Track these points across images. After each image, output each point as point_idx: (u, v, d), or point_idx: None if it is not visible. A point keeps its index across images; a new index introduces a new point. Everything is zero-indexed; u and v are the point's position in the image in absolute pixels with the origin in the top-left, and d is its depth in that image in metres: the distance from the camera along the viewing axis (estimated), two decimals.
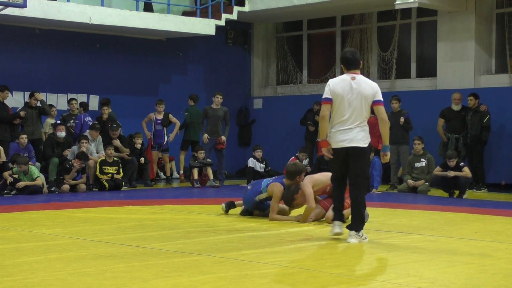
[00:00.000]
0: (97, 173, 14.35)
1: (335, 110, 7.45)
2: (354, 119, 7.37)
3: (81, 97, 16.50)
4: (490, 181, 15.26)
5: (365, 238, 7.42)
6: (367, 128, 7.50)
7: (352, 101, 7.37)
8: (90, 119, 15.45)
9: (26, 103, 14.74)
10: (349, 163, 7.43)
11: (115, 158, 14.59)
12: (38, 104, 14.57)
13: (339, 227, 7.47)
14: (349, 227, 7.40)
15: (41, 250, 6.80)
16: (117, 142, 14.93)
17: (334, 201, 7.79)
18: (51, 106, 15.50)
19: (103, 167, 14.38)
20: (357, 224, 7.37)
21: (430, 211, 10.92)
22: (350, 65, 7.57)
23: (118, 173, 14.51)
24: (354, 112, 7.37)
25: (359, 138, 7.37)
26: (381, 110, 7.48)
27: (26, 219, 9.49)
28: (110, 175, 14.41)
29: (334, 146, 7.45)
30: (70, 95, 16.45)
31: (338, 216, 7.57)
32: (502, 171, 15.38)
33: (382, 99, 7.54)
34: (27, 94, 15.04)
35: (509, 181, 15.27)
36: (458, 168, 13.27)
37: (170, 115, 16.05)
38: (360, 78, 7.53)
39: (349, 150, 7.37)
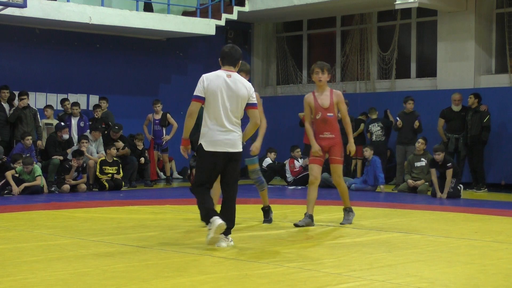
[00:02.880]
0: (97, 173, 14.37)
1: (209, 108, 6.98)
2: (230, 119, 6.95)
3: (81, 97, 16.52)
4: (490, 181, 15.26)
5: (232, 242, 7.04)
6: (240, 130, 7.11)
7: (228, 100, 6.95)
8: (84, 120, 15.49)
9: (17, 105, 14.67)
10: (226, 167, 7.01)
11: (115, 158, 14.60)
12: (32, 105, 14.60)
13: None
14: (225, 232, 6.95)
15: (41, 250, 6.80)
16: (119, 144, 14.97)
17: (206, 206, 7.03)
18: (50, 106, 15.51)
19: (103, 167, 14.40)
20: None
21: (430, 211, 10.92)
22: (226, 60, 7.10)
23: (118, 173, 14.52)
24: (229, 112, 6.95)
25: (239, 142, 7.00)
26: (255, 114, 7.10)
27: (26, 219, 9.49)
28: (110, 175, 14.43)
29: (211, 149, 6.94)
30: (70, 96, 16.46)
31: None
32: (502, 171, 15.37)
33: (256, 101, 7.14)
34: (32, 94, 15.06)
35: (509, 181, 15.27)
36: (445, 166, 13.12)
37: (168, 115, 16.05)
38: (236, 76, 7.08)
39: (230, 155, 6.96)
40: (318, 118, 8.64)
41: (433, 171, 13.23)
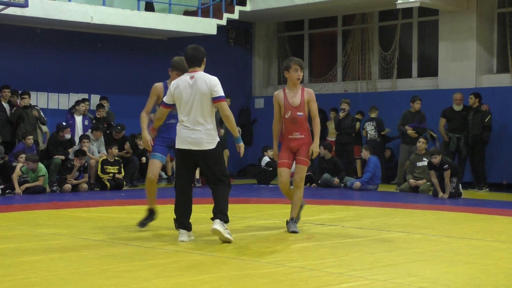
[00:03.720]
0: (99, 172, 14.38)
1: (178, 110, 7.32)
2: (195, 118, 7.17)
3: (83, 97, 16.49)
4: (492, 180, 15.24)
5: (230, 235, 7.20)
6: (213, 126, 7.27)
7: (191, 100, 7.17)
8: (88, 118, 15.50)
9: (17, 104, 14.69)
10: (199, 165, 7.41)
11: (117, 158, 14.61)
12: (36, 113, 14.60)
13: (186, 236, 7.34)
14: (213, 218, 7.24)
15: (42, 249, 6.80)
16: (128, 148, 15.07)
17: (181, 207, 7.37)
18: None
19: (105, 166, 14.41)
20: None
21: (431, 211, 10.92)
22: (190, 62, 7.32)
23: (120, 172, 14.53)
24: (196, 113, 7.17)
25: (204, 140, 7.17)
26: (223, 107, 7.19)
27: (27, 218, 9.49)
28: (111, 174, 14.44)
29: (179, 146, 7.28)
30: (72, 95, 16.47)
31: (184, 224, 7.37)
32: (504, 171, 15.36)
33: (222, 94, 7.19)
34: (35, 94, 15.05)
35: (510, 180, 15.26)
36: (442, 168, 13.09)
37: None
38: (199, 75, 7.23)
39: (195, 153, 7.21)
40: (287, 117, 8.09)
41: (432, 173, 13.22)
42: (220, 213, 7.20)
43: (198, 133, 7.19)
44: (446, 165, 12.99)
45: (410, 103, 15.46)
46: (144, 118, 8.04)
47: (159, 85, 8.04)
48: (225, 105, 7.25)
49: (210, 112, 7.24)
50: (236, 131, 7.46)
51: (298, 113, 8.05)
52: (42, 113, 14.92)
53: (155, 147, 7.97)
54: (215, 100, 7.19)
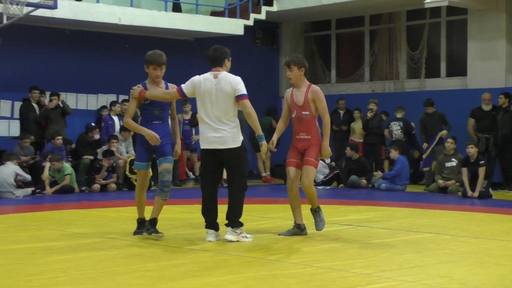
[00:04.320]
0: (127, 172, 14.45)
1: (200, 110, 7.41)
2: (220, 119, 7.26)
3: (111, 97, 16.60)
4: None
5: (246, 237, 7.31)
6: (236, 126, 7.33)
7: (215, 100, 7.26)
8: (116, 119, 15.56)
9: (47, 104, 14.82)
10: (220, 164, 7.41)
11: None
12: (60, 104, 14.74)
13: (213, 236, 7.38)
14: (226, 224, 7.38)
15: (71, 248, 6.86)
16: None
17: (208, 207, 7.47)
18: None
19: (133, 166, 14.45)
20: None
21: (460, 212, 10.83)
22: (211, 62, 7.43)
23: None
24: (220, 112, 7.26)
25: (229, 139, 7.24)
26: (246, 104, 7.23)
27: (57, 218, 9.58)
28: None
29: (206, 146, 7.35)
30: (100, 96, 16.58)
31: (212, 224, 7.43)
32: None
33: (244, 92, 7.25)
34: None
35: None
36: (477, 164, 13.04)
37: (197, 115, 16.06)
38: (222, 75, 7.33)
39: (221, 152, 7.28)
40: (294, 116, 7.84)
41: (465, 170, 13.13)
42: (232, 220, 7.33)
43: (223, 132, 7.26)
44: (483, 161, 12.91)
45: (424, 107, 15.36)
46: (131, 122, 7.62)
47: (138, 87, 7.81)
48: (247, 102, 7.28)
49: (233, 111, 7.31)
50: (259, 129, 7.38)
51: (303, 113, 7.78)
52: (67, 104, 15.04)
53: (137, 154, 7.80)
54: (238, 98, 7.25)
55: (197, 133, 16.12)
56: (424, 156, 15.29)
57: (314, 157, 7.72)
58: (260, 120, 16.44)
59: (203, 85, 7.35)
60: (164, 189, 7.48)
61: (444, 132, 15.05)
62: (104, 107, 16.06)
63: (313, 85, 7.94)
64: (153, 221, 7.50)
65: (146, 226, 7.51)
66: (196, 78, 7.47)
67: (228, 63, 7.49)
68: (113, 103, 15.85)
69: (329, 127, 7.80)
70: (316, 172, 7.87)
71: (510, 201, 12.90)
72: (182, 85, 7.57)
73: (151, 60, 7.89)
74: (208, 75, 7.40)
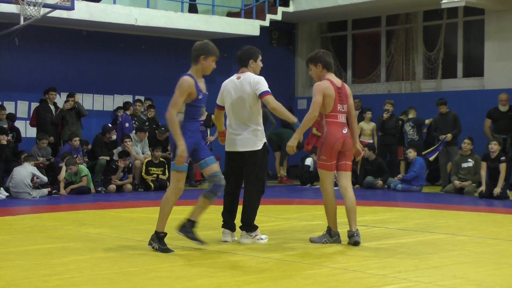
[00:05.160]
0: (143, 173, 14.50)
1: (227, 112, 7.40)
2: (240, 120, 7.23)
3: (127, 98, 16.66)
4: None
5: (261, 239, 7.30)
6: (258, 128, 7.25)
7: (236, 101, 7.23)
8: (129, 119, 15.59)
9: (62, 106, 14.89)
10: (242, 166, 7.32)
11: (162, 159, 14.70)
12: (75, 105, 14.83)
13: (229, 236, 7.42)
14: (240, 227, 7.37)
15: (88, 249, 6.89)
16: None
17: (226, 207, 7.48)
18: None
19: (149, 168, 14.53)
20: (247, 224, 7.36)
21: (476, 212, 10.78)
22: (238, 63, 7.46)
23: (164, 173, 14.63)
24: (242, 114, 7.21)
25: (250, 141, 7.18)
26: (268, 100, 7.12)
27: (73, 218, 9.62)
28: (155, 175, 14.55)
29: (229, 149, 7.35)
30: (116, 97, 16.65)
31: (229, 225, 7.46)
32: None
33: (266, 89, 7.13)
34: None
35: None
36: (498, 160, 13.01)
37: (213, 116, 16.07)
38: (245, 76, 7.30)
39: (242, 154, 7.24)
40: None
41: (484, 165, 13.10)
42: (245, 224, 7.33)
43: (242, 134, 7.23)
44: (504, 157, 12.86)
45: (436, 106, 15.28)
46: (175, 120, 6.69)
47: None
48: (269, 98, 7.16)
49: (255, 113, 7.25)
50: (291, 116, 7.25)
51: None
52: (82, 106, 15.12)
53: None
54: (261, 96, 7.18)
55: (212, 133, 16.14)
56: (431, 159, 15.19)
57: (319, 157, 7.34)
58: (277, 131, 16.50)
59: (226, 87, 7.41)
60: (218, 193, 6.92)
61: (449, 135, 14.90)
62: (119, 107, 16.12)
63: (318, 82, 7.41)
64: (194, 224, 6.96)
65: (190, 229, 6.92)
66: (224, 82, 7.54)
67: (254, 64, 7.43)
68: (127, 104, 15.85)
69: (306, 122, 7.18)
70: (326, 173, 7.29)
71: None
72: (217, 100, 7.64)
73: (214, 52, 6.97)
74: (233, 77, 7.45)
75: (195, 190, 14.96)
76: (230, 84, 7.38)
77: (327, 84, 7.30)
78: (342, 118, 7.33)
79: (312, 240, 7.34)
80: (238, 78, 7.33)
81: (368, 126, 16.53)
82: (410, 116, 16.08)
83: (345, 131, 7.30)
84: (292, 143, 7.16)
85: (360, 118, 16.96)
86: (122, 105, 16.15)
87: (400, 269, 5.92)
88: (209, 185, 6.94)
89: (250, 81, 7.26)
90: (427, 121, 15.79)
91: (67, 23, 15.37)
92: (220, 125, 7.71)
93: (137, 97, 16.68)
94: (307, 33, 20.08)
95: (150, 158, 14.65)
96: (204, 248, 6.87)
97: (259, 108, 7.30)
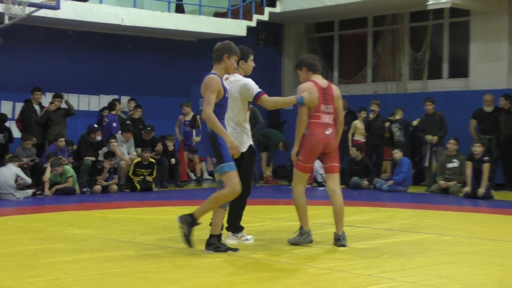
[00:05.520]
0: (130, 174, 14.42)
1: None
2: (232, 120, 7.15)
3: (112, 98, 16.60)
4: None
5: (247, 240, 7.34)
6: (245, 130, 7.21)
7: (228, 102, 6.97)
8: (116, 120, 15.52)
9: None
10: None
11: (152, 160, 14.60)
12: (63, 105, 14.77)
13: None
14: (226, 228, 7.37)
15: (73, 250, 6.87)
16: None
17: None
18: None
19: (137, 169, 14.43)
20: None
21: (462, 212, 10.83)
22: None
23: (151, 175, 14.56)
24: (230, 113, 7.07)
25: (240, 142, 6.98)
26: (264, 100, 7.06)
27: (58, 219, 9.58)
28: (142, 176, 14.49)
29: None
30: (102, 97, 16.60)
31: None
32: None
33: (258, 90, 7.06)
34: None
35: None
36: (481, 161, 13.08)
37: (198, 116, 16.04)
38: (232, 77, 7.19)
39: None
40: None
41: (469, 164, 13.15)
42: (231, 225, 7.39)
43: (232, 134, 7.00)
44: (487, 158, 12.92)
45: (423, 106, 15.33)
46: (214, 117, 6.63)
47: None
48: (265, 97, 7.09)
49: (244, 113, 7.20)
50: (291, 101, 7.32)
51: None
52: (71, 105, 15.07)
53: (224, 153, 6.68)
54: (256, 99, 7.09)
55: (197, 134, 16.13)
56: (426, 164, 15.25)
57: (297, 157, 7.26)
58: (264, 131, 16.47)
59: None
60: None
61: (434, 138, 14.94)
62: (105, 108, 16.06)
63: (302, 83, 7.46)
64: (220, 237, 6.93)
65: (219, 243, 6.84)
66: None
67: (244, 64, 7.31)
68: (113, 104, 15.74)
69: (298, 128, 7.22)
70: (299, 174, 7.26)
71: None
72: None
73: (236, 51, 6.89)
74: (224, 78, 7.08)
75: (182, 190, 14.95)
76: (227, 85, 7.18)
77: (310, 85, 7.32)
78: (326, 119, 7.27)
79: (289, 241, 7.32)
80: (227, 79, 7.19)
81: (362, 125, 16.56)
82: (398, 117, 16.11)
83: (328, 132, 7.24)
84: (294, 152, 7.24)
85: (352, 118, 16.94)
86: (107, 105, 16.09)
87: (386, 269, 5.94)
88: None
89: (239, 85, 7.16)
90: (414, 123, 15.83)
91: (53, 22, 15.31)
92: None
93: (116, 97, 16.59)
94: (294, 33, 20.10)
95: (139, 159, 14.56)
96: (191, 248, 6.86)
97: (246, 109, 7.26)
